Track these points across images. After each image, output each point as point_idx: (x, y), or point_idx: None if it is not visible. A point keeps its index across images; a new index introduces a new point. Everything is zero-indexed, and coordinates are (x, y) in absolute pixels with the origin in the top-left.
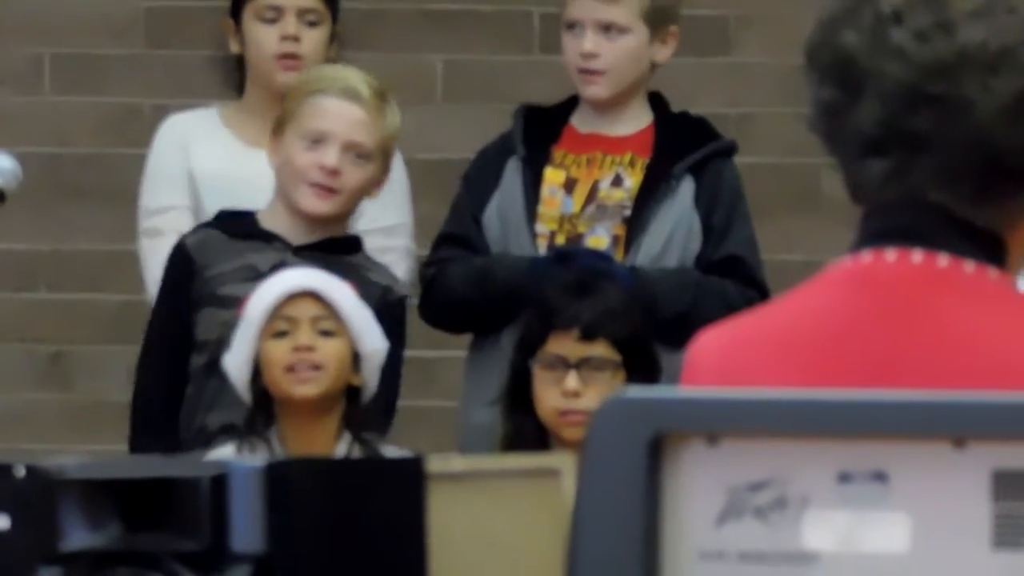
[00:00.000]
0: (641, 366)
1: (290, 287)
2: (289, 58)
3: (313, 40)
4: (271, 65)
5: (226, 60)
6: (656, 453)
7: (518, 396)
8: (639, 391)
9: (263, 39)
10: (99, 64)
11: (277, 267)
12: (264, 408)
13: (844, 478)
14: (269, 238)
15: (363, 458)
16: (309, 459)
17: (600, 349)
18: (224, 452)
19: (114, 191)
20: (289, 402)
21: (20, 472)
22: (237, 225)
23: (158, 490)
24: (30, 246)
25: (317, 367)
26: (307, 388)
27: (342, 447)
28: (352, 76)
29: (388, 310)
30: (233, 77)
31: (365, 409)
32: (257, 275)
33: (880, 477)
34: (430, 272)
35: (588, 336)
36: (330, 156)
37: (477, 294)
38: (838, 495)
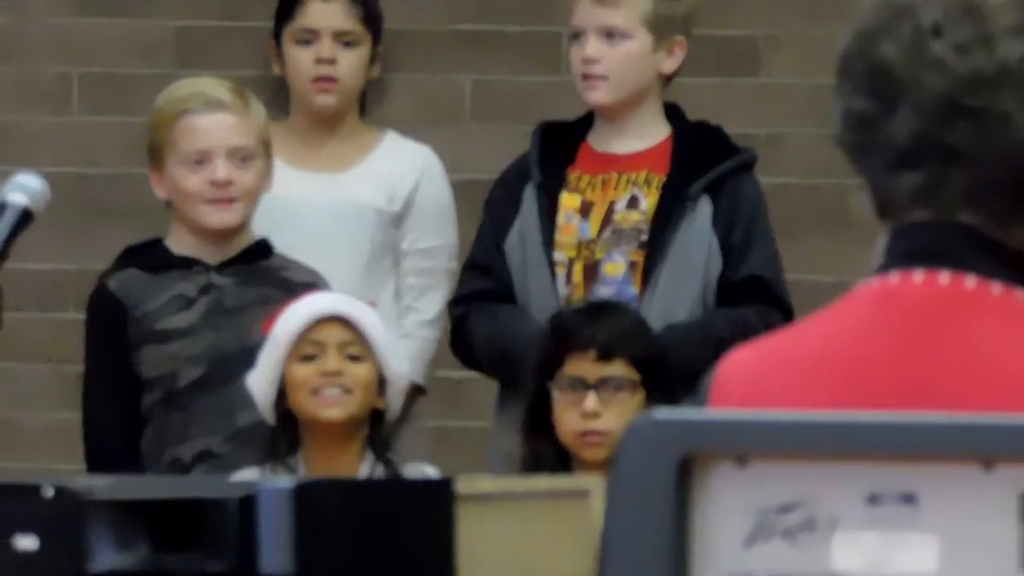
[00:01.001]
0: (660, 385)
1: (318, 312)
2: (325, 80)
3: (349, 62)
4: (308, 87)
5: (271, 81)
6: (685, 474)
7: (537, 419)
8: (667, 412)
9: (300, 62)
10: (128, 84)
11: (205, 290)
12: (288, 430)
13: (873, 500)
14: (187, 264)
15: (391, 479)
16: (337, 480)
17: (618, 369)
18: (248, 474)
19: (142, 211)
20: (315, 425)
21: (48, 492)
22: (152, 258)
23: (186, 511)
24: (57, 266)
25: (345, 391)
26: (333, 411)
27: (365, 469)
28: (208, 85)
29: None
30: (278, 98)
31: (389, 432)
32: (188, 303)
33: (909, 499)
34: (456, 313)
35: (605, 356)
36: (219, 170)
37: (494, 360)
38: (867, 517)
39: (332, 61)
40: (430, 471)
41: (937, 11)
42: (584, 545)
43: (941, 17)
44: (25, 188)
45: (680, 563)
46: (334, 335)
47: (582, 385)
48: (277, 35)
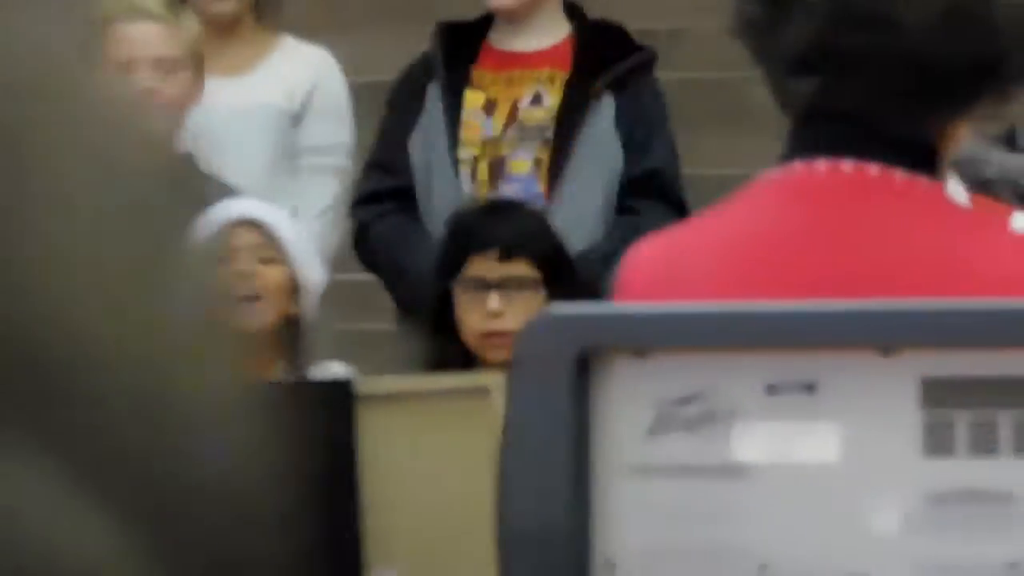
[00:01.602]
0: (562, 284)
1: (231, 216)
2: None
3: None
4: None
5: None
6: (584, 369)
7: (440, 320)
8: (566, 307)
9: None
10: None
11: None
12: None
13: (773, 389)
14: None
15: (292, 380)
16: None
17: (520, 268)
18: None
19: None
20: None
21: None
22: None
23: None
24: None
25: (256, 295)
26: (248, 318)
27: (278, 374)
28: None
29: None
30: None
31: (302, 338)
32: None
33: (809, 387)
34: (359, 216)
35: (507, 255)
36: (141, 78)
37: (392, 282)
38: (767, 407)
39: None
40: (339, 369)
41: None
42: (486, 441)
43: None
44: None
45: (581, 457)
46: (247, 239)
47: (484, 285)
48: None
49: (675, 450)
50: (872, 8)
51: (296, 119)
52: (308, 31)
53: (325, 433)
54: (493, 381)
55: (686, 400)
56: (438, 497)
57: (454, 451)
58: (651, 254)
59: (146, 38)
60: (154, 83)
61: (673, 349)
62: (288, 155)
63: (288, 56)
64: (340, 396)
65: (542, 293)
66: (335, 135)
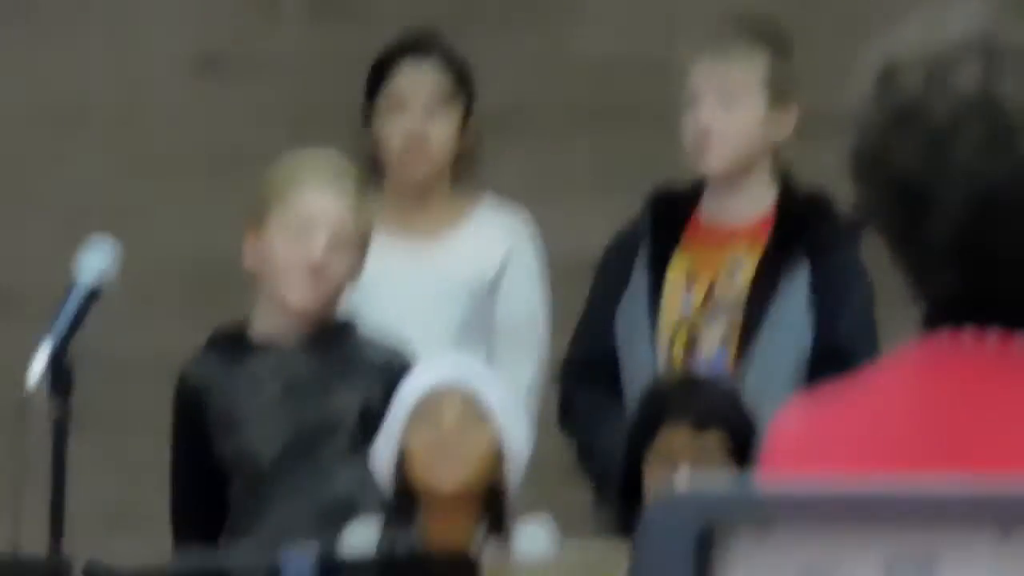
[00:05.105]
0: (752, 459)
1: (439, 380)
2: (415, 150)
3: (441, 128)
4: (398, 159)
5: (367, 156)
6: (706, 545)
7: (630, 486)
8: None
9: (389, 132)
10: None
11: (281, 373)
12: (405, 501)
13: (892, 567)
14: (265, 345)
15: (414, 552)
16: (361, 555)
17: (712, 440)
18: (363, 534)
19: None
20: (431, 494)
21: (78, 570)
22: (230, 341)
23: None
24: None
25: (461, 459)
26: (449, 481)
27: (477, 540)
28: (332, 162)
29: (393, 377)
30: (373, 173)
31: (505, 505)
32: (262, 385)
33: (927, 566)
34: (564, 386)
35: (700, 427)
36: (317, 247)
37: (583, 458)
38: None
39: (423, 131)
40: (540, 532)
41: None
42: None
43: (955, 116)
44: (91, 266)
45: None
46: (454, 404)
47: (676, 455)
48: (368, 108)
49: None
50: (1012, 202)
51: (487, 290)
52: (519, 199)
53: None
54: (619, 555)
55: (807, 575)
56: None
57: None
58: (795, 427)
59: (330, 207)
60: (325, 254)
61: (795, 525)
62: (477, 324)
63: (483, 223)
64: (464, 571)
65: (733, 465)
66: (529, 306)
